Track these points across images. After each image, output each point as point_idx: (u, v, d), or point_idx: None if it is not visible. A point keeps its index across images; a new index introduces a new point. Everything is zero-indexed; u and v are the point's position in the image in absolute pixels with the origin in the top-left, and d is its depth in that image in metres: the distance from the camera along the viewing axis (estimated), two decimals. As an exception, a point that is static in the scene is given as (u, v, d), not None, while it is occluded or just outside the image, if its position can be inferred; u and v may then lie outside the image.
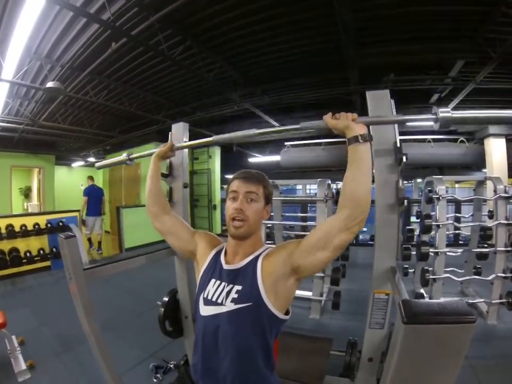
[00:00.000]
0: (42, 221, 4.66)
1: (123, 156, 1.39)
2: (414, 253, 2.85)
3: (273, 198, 3.54)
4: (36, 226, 4.56)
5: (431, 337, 0.70)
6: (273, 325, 0.92)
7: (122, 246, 5.82)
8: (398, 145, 1.22)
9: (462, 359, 0.71)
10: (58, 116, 5.84)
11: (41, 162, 8.41)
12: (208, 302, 0.96)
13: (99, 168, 1.71)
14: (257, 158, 9.53)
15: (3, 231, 4.17)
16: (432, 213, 2.93)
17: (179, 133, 1.75)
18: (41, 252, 4.53)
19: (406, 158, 1.17)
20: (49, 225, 4.67)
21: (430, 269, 2.71)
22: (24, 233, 4.40)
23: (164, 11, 2.63)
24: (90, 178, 6.58)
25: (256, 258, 0.96)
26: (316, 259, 0.86)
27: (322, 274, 2.93)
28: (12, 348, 2.16)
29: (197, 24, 3.06)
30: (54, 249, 4.59)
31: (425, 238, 2.91)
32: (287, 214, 4.21)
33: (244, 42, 3.38)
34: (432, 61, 3.58)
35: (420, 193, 3.61)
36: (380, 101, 1.28)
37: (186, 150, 1.82)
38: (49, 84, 3.58)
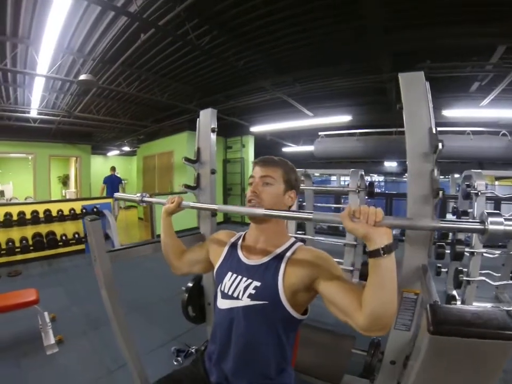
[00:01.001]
0: (77, 206, 4.92)
1: (137, 195, 1.40)
2: (449, 251, 2.66)
3: (304, 188, 3.46)
4: (72, 211, 4.82)
5: (460, 352, 0.60)
6: (289, 324, 0.91)
7: (154, 232, 6.06)
8: (434, 131, 1.11)
9: (496, 378, 0.61)
10: (92, 107, 6.07)
11: (78, 151, 8.86)
12: (225, 296, 0.96)
13: (117, 199, 1.74)
14: (291, 148, 9.41)
15: (41, 215, 4.45)
16: (470, 210, 2.73)
17: (207, 119, 1.77)
18: (76, 235, 4.80)
19: (442, 145, 1.06)
20: (84, 210, 4.92)
21: (464, 270, 2.51)
22: (61, 217, 4.68)
23: (189, 0, 2.60)
24: (112, 168, 7.54)
25: (281, 257, 0.93)
26: (329, 306, 0.84)
27: (351, 268, 2.82)
28: (43, 323, 2.30)
29: (223, 12, 3.01)
30: None
31: (460, 236, 2.71)
32: (319, 205, 4.09)
33: (272, 29, 3.28)
34: (472, 46, 3.27)
35: (457, 189, 3.36)
36: (413, 84, 1.16)
37: (213, 137, 1.79)
38: (82, 77, 3.72)
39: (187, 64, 4.27)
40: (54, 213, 4.63)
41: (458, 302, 2.49)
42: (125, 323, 1.39)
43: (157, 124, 7.28)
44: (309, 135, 7.92)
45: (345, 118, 5.62)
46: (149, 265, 3.92)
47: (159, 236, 1.27)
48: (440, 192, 1.09)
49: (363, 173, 3.14)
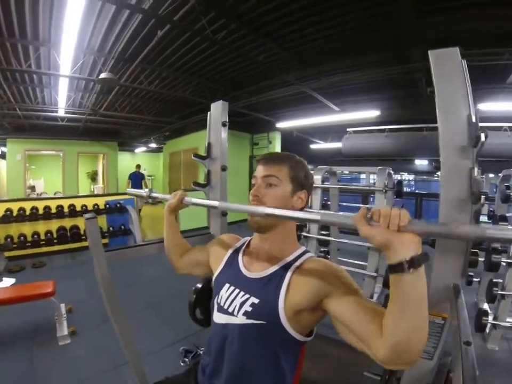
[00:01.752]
0: (101, 202, 5.04)
1: (145, 191, 1.35)
2: (483, 259, 2.39)
3: (329, 186, 3.27)
4: (95, 206, 4.94)
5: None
6: (290, 347, 0.79)
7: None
8: (474, 119, 0.91)
9: None
10: (117, 105, 6.25)
11: (105, 148, 9.19)
12: (220, 309, 0.86)
13: (130, 194, 1.71)
14: (318, 145, 9.18)
15: (66, 210, 4.61)
16: (508, 215, 2.50)
17: (217, 112, 1.65)
18: (100, 230, 4.91)
19: (486, 137, 0.86)
20: (107, 206, 5.02)
21: (499, 281, 2.25)
22: (85, 212, 4.79)
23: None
24: (137, 166, 7.96)
25: (285, 270, 0.80)
26: (341, 330, 0.70)
27: (375, 274, 2.63)
28: (59, 315, 2.34)
29: (239, 4, 2.90)
30: (111, 228, 4.99)
31: (497, 244, 2.42)
32: (344, 204, 3.89)
33: (292, 20, 3.12)
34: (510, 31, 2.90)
35: (494, 190, 3.05)
36: (447, 63, 0.96)
37: (225, 131, 1.69)
38: (103, 75, 3.79)
39: (207, 59, 4.21)
40: (78, 208, 4.77)
41: (490, 318, 2.22)
42: (123, 322, 1.33)
43: (181, 121, 7.32)
44: (337, 131, 7.66)
45: (373, 113, 5.36)
46: (166, 260, 3.94)
47: (182, 232, 1.20)
48: (482, 197, 0.89)
49: (391, 171, 2.97)
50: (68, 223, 4.61)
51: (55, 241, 4.36)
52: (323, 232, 3.28)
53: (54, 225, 4.49)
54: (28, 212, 4.28)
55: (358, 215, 0.59)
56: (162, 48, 3.78)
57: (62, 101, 5.43)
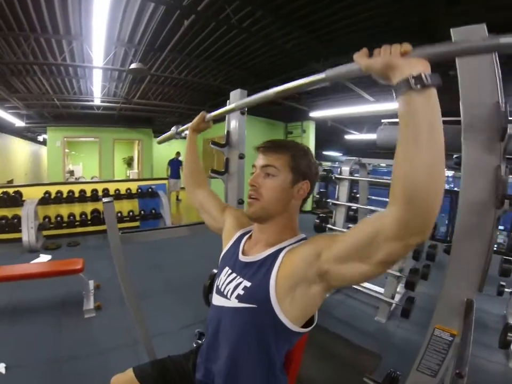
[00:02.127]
0: (134, 186, 5.31)
1: (172, 129, 1.36)
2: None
3: (358, 178, 3.17)
4: (128, 191, 5.21)
5: None
6: (282, 336, 0.75)
7: None
8: (503, 107, 0.80)
9: None
10: (150, 94, 6.42)
11: (140, 135, 9.49)
12: (218, 291, 0.86)
13: (159, 143, 1.76)
14: (353, 136, 8.91)
15: (100, 193, 4.91)
16: None
17: (236, 100, 1.62)
18: (131, 213, 5.19)
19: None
20: (139, 190, 5.28)
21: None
22: (117, 196, 5.08)
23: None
24: (177, 153, 8.47)
25: (279, 251, 0.77)
26: (350, 271, 0.62)
27: (398, 274, 2.52)
28: (86, 290, 2.54)
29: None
30: (142, 212, 5.25)
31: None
32: (374, 197, 3.74)
33: (320, 6, 2.98)
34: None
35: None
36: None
37: (243, 119, 1.68)
38: (133, 66, 3.93)
39: (236, 48, 4.19)
40: (112, 192, 5.05)
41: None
42: (136, 303, 1.40)
43: (214, 108, 7.40)
44: (373, 122, 7.31)
45: None
46: (199, 243, 3.92)
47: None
48: (506, 201, 0.79)
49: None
50: (101, 206, 4.87)
51: (89, 222, 4.70)
52: (350, 226, 3.22)
53: (88, 207, 4.82)
54: (65, 195, 4.64)
55: (359, 52, 0.56)
56: (190, 38, 3.82)
57: (97, 90, 5.71)
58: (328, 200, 3.11)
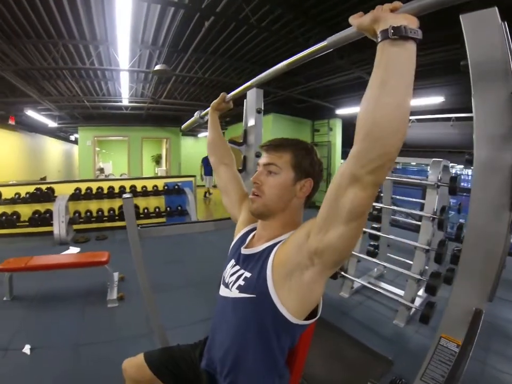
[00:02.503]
0: (160, 183, 5.46)
1: (196, 114, 1.45)
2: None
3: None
4: (155, 187, 5.38)
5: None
6: (282, 328, 0.74)
7: None
8: None
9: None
10: (176, 94, 6.64)
11: (168, 133, 9.82)
12: (223, 282, 0.90)
13: (185, 129, 1.83)
14: None
15: (127, 190, 5.13)
16: None
17: (252, 99, 1.67)
18: (157, 209, 5.35)
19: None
20: (166, 187, 5.42)
21: None
22: (144, 193, 5.28)
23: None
24: None
25: (277, 243, 0.78)
26: (332, 238, 0.61)
27: (419, 277, 2.43)
28: (111, 281, 2.68)
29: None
30: (169, 208, 5.39)
31: None
32: (398, 197, 3.62)
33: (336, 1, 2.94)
34: None
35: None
36: (483, 27, 0.79)
37: (259, 118, 1.70)
38: (157, 67, 4.08)
39: (258, 46, 4.23)
40: (139, 189, 5.26)
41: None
42: (151, 295, 1.47)
43: (241, 106, 7.49)
44: None
45: (436, 100, 4.87)
46: (221, 240, 4.15)
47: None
48: None
49: (448, 164, 2.66)
50: (128, 202, 5.15)
51: (116, 217, 4.92)
52: (374, 225, 3.16)
53: (116, 203, 5.05)
54: (94, 191, 4.90)
55: (354, 15, 0.59)
56: (212, 38, 3.90)
57: (124, 91, 6.00)
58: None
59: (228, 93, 1.22)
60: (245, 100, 1.75)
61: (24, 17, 3.25)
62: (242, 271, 0.83)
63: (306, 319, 0.74)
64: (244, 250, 0.87)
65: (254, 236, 0.92)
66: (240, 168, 1.77)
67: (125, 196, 1.46)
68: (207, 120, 1.30)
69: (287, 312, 0.71)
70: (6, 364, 1.78)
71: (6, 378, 1.67)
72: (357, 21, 0.58)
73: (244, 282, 0.80)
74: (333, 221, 0.59)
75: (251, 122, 1.71)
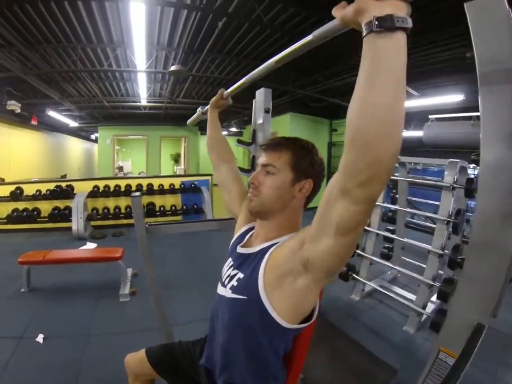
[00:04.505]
0: (177, 182, 5.57)
1: (198, 110, 1.45)
2: None
3: (397, 178, 3.02)
4: (171, 186, 5.48)
5: None
6: (273, 331, 0.73)
7: None
8: None
9: None
10: (194, 93, 6.75)
11: (186, 132, 9.98)
12: (220, 280, 0.90)
13: (190, 124, 1.85)
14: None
15: (144, 188, 5.28)
16: None
17: (261, 99, 1.67)
18: (173, 207, 5.46)
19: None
20: (182, 186, 5.52)
21: None
22: (161, 191, 5.40)
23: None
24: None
25: (272, 245, 0.77)
26: (319, 250, 0.58)
27: (431, 282, 2.34)
28: (124, 276, 2.77)
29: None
30: (185, 207, 5.48)
31: None
32: (414, 198, 3.54)
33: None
34: None
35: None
36: (489, 16, 0.73)
37: (268, 118, 1.70)
38: (172, 68, 4.17)
39: (273, 45, 4.20)
40: (156, 187, 5.39)
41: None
42: (158, 292, 1.50)
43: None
44: (419, 118, 6.85)
45: (456, 98, 4.71)
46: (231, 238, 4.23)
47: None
48: None
49: (466, 165, 2.55)
50: (145, 200, 5.24)
51: (133, 215, 5.04)
52: (389, 227, 3.09)
53: (133, 201, 5.19)
54: (111, 189, 5.07)
55: (337, 6, 0.52)
56: (227, 38, 3.92)
57: (142, 92, 6.15)
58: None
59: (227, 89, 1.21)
60: (254, 100, 1.75)
61: (43, 23, 3.42)
62: (236, 271, 0.82)
63: (300, 323, 0.73)
64: (239, 249, 0.87)
65: (252, 234, 0.91)
66: (248, 167, 1.77)
67: (133, 194, 1.50)
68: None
69: (278, 316, 0.70)
70: (19, 352, 1.88)
71: (18, 364, 1.77)
72: (339, 13, 0.52)
73: (236, 283, 0.79)
74: (322, 233, 0.56)
75: (259, 121, 1.70)
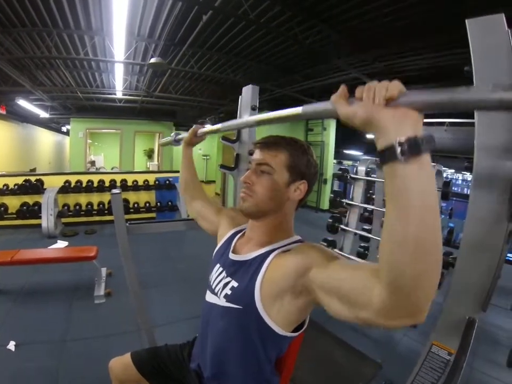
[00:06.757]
0: (151, 178, 5.43)
1: (172, 135, 1.35)
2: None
3: (375, 179, 3.10)
4: (145, 182, 5.34)
5: None
6: (269, 339, 0.72)
7: (225, 205, 6.35)
8: None
9: None
10: (171, 88, 6.51)
11: (161, 128, 9.64)
12: (210, 288, 0.86)
13: (161, 145, 1.77)
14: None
15: (118, 184, 5.07)
16: None
17: (248, 96, 1.63)
18: (147, 204, 5.32)
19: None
20: (157, 182, 5.39)
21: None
22: (135, 187, 5.23)
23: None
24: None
25: (270, 252, 0.74)
26: (332, 304, 0.58)
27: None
28: (98, 277, 2.64)
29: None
30: (159, 204, 5.35)
31: None
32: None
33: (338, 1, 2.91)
34: None
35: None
36: (489, 34, 0.76)
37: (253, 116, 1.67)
38: (152, 60, 4.01)
39: (256, 43, 4.17)
40: (130, 183, 5.22)
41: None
42: (139, 292, 1.44)
43: (235, 103, 7.43)
44: None
45: None
46: (211, 237, 4.18)
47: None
48: None
49: (441, 168, 2.69)
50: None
51: (106, 211, 4.86)
52: (365, 227, 3.16)
53: (106, 197, 4.98)
54: (84, 184, 4.82)
55: (337, 93, 0.48)
56: (209, 33, 3.83)
57: (119, 84, 5.87)
58: (343, 200, 3.05)
59: (204, 121, 1.18)
60: (240, 97, 1.71)
61: (19, 6, 3.16)
62: (229, 278, 0.79)
63: (296, 328, 0.73)
64: (232, 256, 0.83)
65: (241, 237, 0.89)
66: (232, 165, 1.74)
67: (113, 191, 1.41)
68: (182, 142, 1.24)
69: (275, 325, 0.70)
70: (-11, 361, 1.73)
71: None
72: (342, 110, 0.47)
73: (230, 291, 0.77)
74: (340, 302, 0.55)
75: (245, 119, 1.68)
